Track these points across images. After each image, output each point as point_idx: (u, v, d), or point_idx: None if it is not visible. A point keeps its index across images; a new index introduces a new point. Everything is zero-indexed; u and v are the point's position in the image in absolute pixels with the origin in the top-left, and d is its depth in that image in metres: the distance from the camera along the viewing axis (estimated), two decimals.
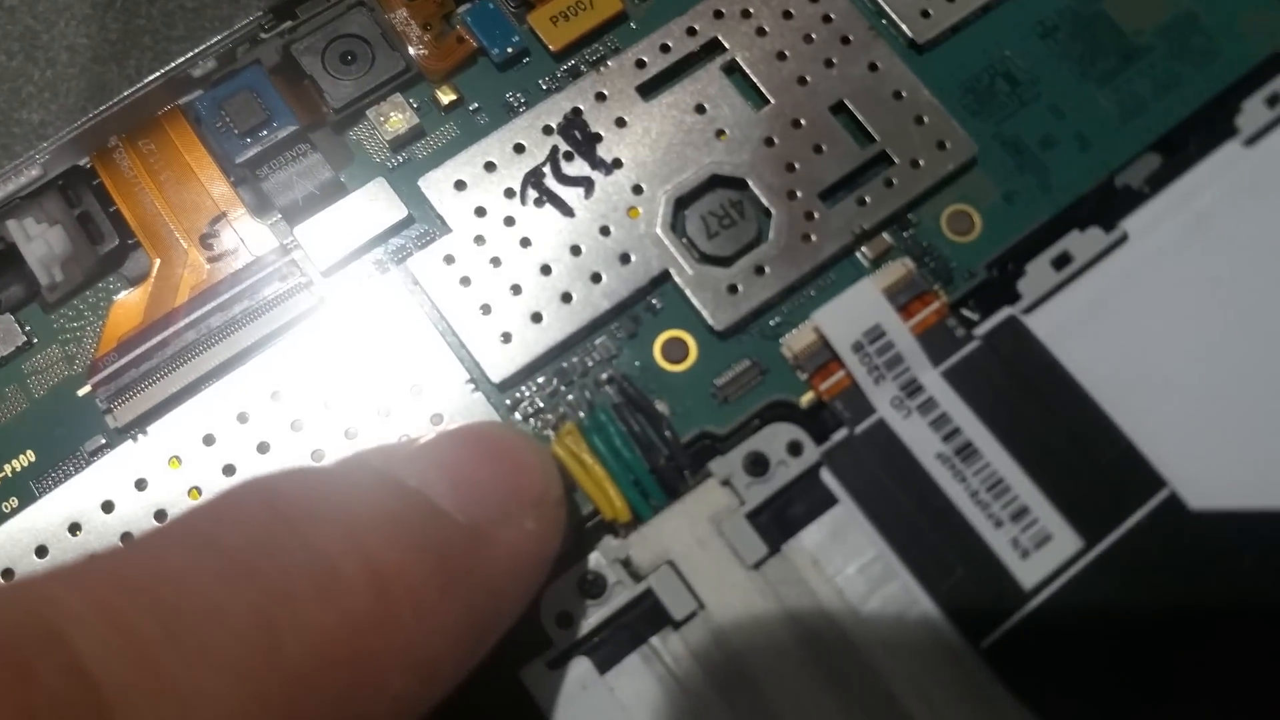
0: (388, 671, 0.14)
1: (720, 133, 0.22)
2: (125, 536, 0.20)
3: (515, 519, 0.16)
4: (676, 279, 0.21)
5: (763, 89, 0.23)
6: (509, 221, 0.22)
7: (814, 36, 0.23)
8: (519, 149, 0.22)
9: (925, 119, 0.22)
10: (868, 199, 0.22)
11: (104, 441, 0.21)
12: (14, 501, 0.20)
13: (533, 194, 0.22)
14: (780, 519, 0.20)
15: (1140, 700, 0.20)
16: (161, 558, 0.14)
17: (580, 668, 0.19)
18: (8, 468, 0.21)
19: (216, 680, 0.12)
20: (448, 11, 0.23)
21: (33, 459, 0.21)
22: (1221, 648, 0.20)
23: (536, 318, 0.21)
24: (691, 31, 0.23)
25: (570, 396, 0.21)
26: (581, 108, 0.22)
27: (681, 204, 0.22)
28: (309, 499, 0.15)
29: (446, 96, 0.23)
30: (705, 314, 0.21)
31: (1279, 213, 0.23)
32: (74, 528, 0.20)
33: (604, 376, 0.21)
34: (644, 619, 0.20)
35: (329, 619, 0.14)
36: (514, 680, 0.19)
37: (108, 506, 0.20)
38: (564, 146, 0.22)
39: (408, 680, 0.14)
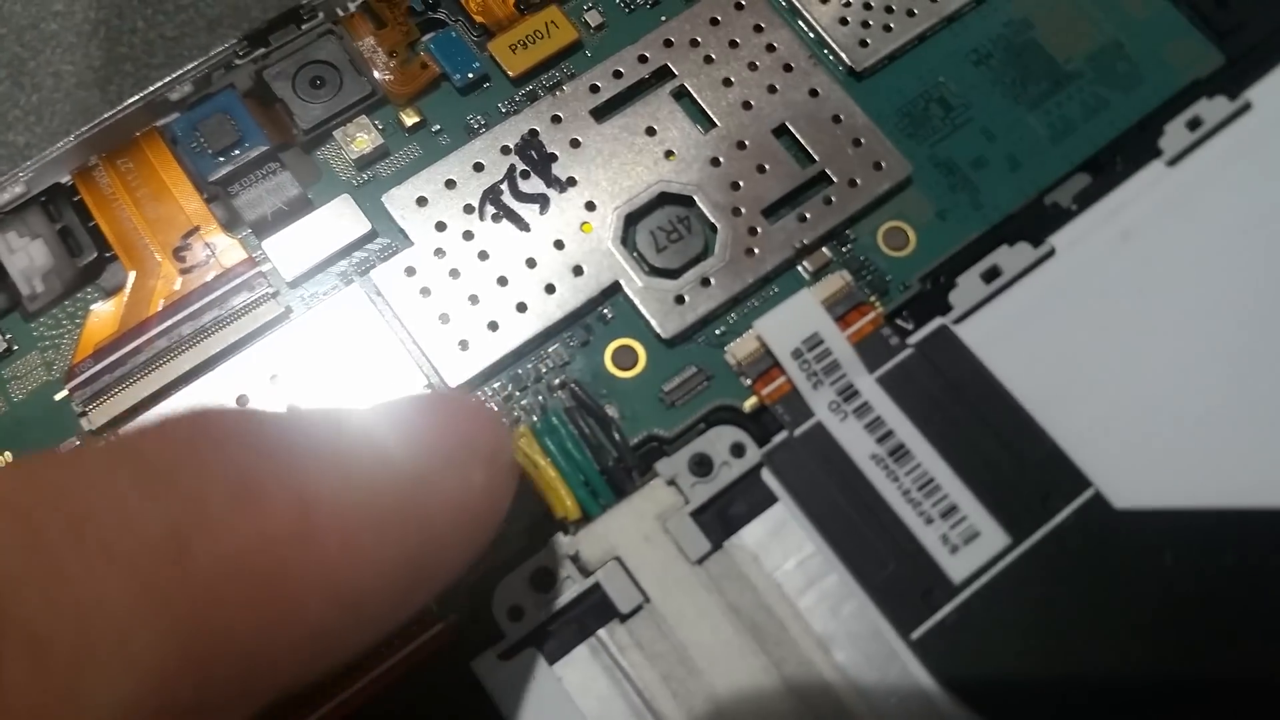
0: (305, 594, 0.13)
1: (669, 153, 0.23)
2: None
3: (462, 470, 0.16)
4: (626, 290, 0.22)
5: (709, 113, 0.24)
6: (468, 236, 0.23)
7: (758, 64, 0.24)
8: (478, 167, 0.23)
9: (862, 141, 0.24)
10: (808, 216, 0.23)
11: (79, 443, 0.21)
12: None
13: (491, 210, 0.23)
14: (723, 517, 0.21)
15: (1063, 690, 0.20)
16: (78, 463, 0.13)
17: (530, 659, 0.20)
18: None
19: (117, 581, 0.12)
20: (412, 39, 0.24)
21: (10, 459, 0.21)
22: (1141, 639, 0.21)
23: (493, 326, 0.22)
24: (643, 59, 0.24)
25: (524, 401, 0.22)
26: (538, 129, 0.23)
27: (632, 220, 0.23)
28: (241, 427, 0.14)
29: (410, 119, 0.24)
30: (654, 323, 0.22)
31: (1199, 229, 0.24)
32: None
33: (557, 382, 0.22)
34: (592, 612, 0.20)
35: (244, 529, 0.13)
36: (466, 671, 0.20)
37: None
38: (521, 165, 0.23)
39: (327, 608, 0.14)
